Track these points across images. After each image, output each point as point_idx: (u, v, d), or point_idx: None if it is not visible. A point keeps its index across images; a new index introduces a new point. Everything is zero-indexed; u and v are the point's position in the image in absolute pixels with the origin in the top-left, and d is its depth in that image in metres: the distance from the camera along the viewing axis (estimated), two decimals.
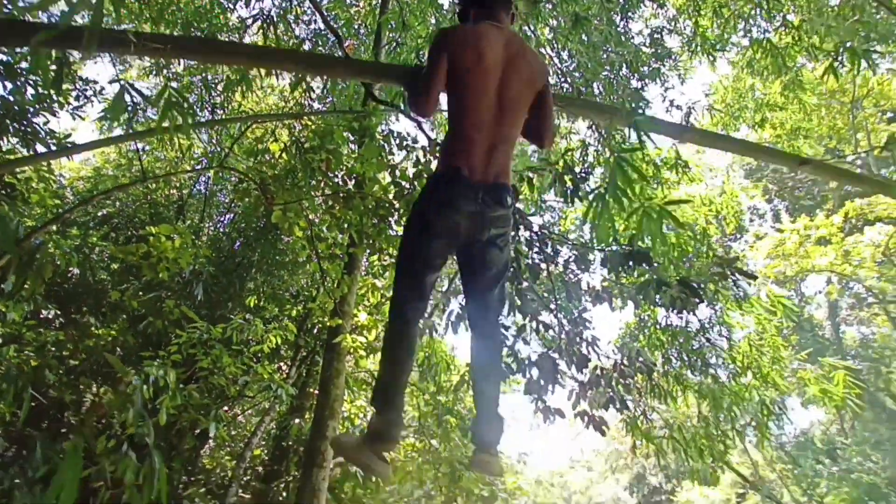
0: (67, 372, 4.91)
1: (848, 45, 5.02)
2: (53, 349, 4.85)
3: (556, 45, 6.40)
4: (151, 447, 2.41)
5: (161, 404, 3.91)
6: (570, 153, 3.85)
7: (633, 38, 6.60)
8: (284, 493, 6.19)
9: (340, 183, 3.69)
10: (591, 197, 1.91)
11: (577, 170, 4.92)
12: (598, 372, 4.27)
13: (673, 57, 7.03)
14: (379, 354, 2.09)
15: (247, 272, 7.80)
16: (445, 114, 1.95)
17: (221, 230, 9.20)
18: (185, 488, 6.21)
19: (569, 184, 3.52)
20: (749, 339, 6.59)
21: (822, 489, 17.24)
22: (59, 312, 6.68)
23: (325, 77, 4.49)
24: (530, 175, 3.88)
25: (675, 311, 3.77)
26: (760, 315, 6.50)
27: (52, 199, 5.41)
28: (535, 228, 3.87)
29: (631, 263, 3.23)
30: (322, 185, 3.69)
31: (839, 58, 4.90)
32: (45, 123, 4.48)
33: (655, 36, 6.86)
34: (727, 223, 9.51)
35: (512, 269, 4.38)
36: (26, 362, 3.99)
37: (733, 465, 20.17)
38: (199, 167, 6.98)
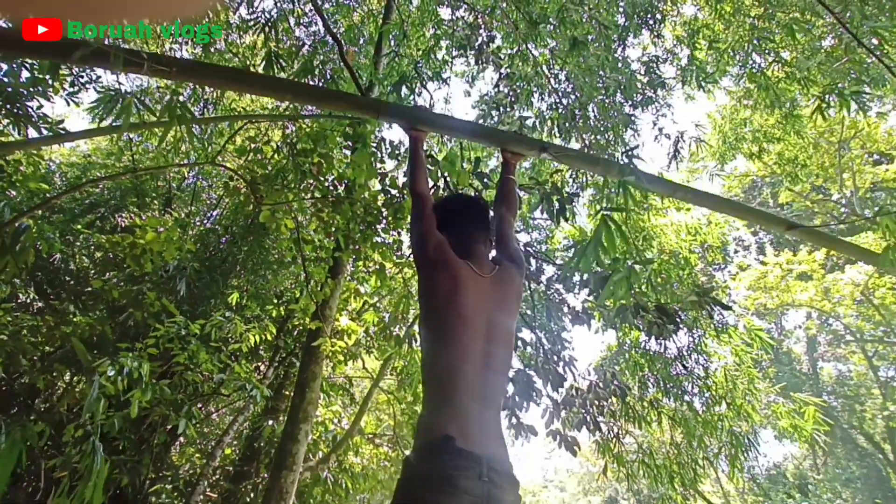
0: (41, 358, 4.84)
1: (838, 86, 5.18)
2: (28, 334, 4.78)
3: (553, 65, 6.53)
4: (95, 443, 2.39)
5: (133, 397, 3.87)
6: (558, 173, 3.92)
7: (629, 64, 6.75)
8: (252, 495, 6.11)
9: (330, 187, 3.72)
10: (572, 252, 1.92)
11: (567, 189, 5.00)
12: (574, 392, 4.31)
13: (666, 87, 7.20)
14: None
15: (231, 269, 7.77)
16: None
17: (208, 226, 9.17)
18: (152, 483, 6.11)
19: (556, 203, 3.57)
20: (725, 370, 6.68)
21: None
22: (37, 297, 6.59)
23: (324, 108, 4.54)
24: (519, 193, 3.94)
25: (653, 337, 3.82)
26: (737, 346, 6.61)
27: (38, 183, 5.36)
28: (520, 245, 3.93)
29: (612, 288, 3.29)
30: (312, 187, 3.72)
31: (827, 98, 5.04)
32: (39, 108, 4.47)
33: (651, 64, 7.03)
34: (711, 253, 9.67)
35: None
36: (1, 344, 3.93)
37: (705, 494, 20.26)
38: (189, 162, 6.97)
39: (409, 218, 2.00)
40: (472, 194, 3.09)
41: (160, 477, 6.51)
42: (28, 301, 6.90)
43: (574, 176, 6.57)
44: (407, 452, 1.46)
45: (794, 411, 6.04)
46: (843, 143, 13.08)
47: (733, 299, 15.27)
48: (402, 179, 3.97)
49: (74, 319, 4.42)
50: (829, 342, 18.54)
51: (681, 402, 6.67)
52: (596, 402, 4.15)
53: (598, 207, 6.64)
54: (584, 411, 4.17)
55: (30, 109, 4.32)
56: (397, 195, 3.88)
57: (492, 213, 2.03)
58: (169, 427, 5.46)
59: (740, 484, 20.04)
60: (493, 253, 1.88)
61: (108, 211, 8.10)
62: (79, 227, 7.24)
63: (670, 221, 7.51)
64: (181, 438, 8.15)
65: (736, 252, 18.19)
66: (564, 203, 3.50)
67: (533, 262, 4.36)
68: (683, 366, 6.70)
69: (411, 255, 1.78)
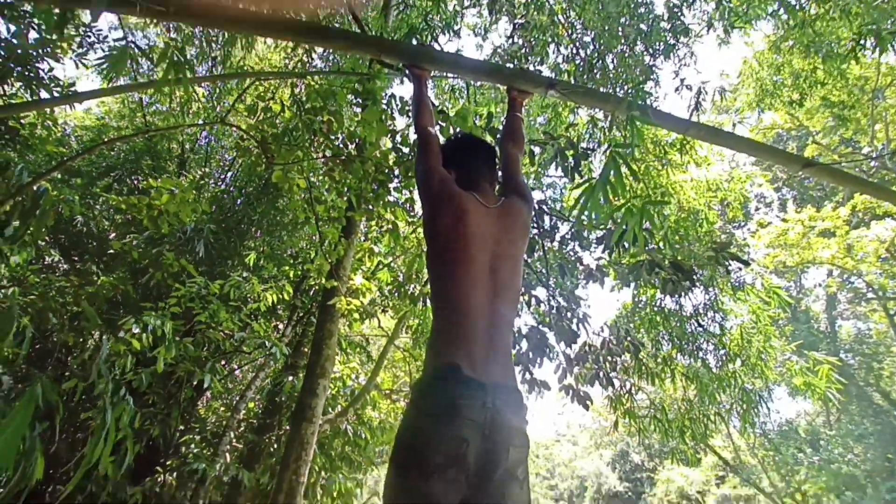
0: (70, 318, 5.02)
1: (877, 26, 4.84)
2: (56, 295, 4.94)
3: (569, 14, 6.25)
4: (106, 400, 2.48)
5: (159, 354, 4.01)
6: (573, 128, 3.82)
7: (652, 9, 6.40)
8: (276, 445, 6.40)
9: (341, 146, 3.68)
10: (580, 191, 1.83)
11: (584, 145, 4.89)
12: (587, 348, 4.35)
13: (691, 34, 6.84)
14: None
15: (247, 231, 7.86)
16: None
17: (223, 186, 9.23)
18: (181, 435, 6.43)
19: (570, 159, 3.50)
20: (741, 327, 6.66)
21: (801, 476, 17.63)
22: (62, 259, 6.77)
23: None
24: (532, 148, 3.86)
25: (667, 294, 3.79)
26: (754, 304, 6.56)
27: (55, 146, 5.41)
28: (534, 201, 3.88)
29: (625, 244, 3.25)
30: (322, 146, 3.69)
31: (864, 41, 4.73)
32: (49, 70, 4.45)
33: (675, 9, 6.65)
34: (731, 210, 9.45)
35: None
36: (31, 304, 4.07)
37: (715, 448, 20.64)
38: (200, 122, 6.94)
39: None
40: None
41: (189, 429, 6.84)
42: (53, 263, 7.10)
43: (591, 132, 6.40)
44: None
45: (807, 369, 6.03)
46: (877, 92, 12.46)
47: (752, 257, 15.07)
48: (413, 137, 3.91)
49: (99, 280, 4.54)
50: (849, 300, 18.30)
51: (695, 358, 6.69)
52: (609, 359, 4.18)
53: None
54: (596, 367, 4.22)
55: (40, 72, 4.31)
56: (408, 153, 3.83)
57: (498, 151, 2.00)
58: (195, 383, 5.68)
59: (752, 439, 20.36)
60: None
61: (125, 174, 8.19)
62: (97, 190, 7.34)
63: (690, 178, 7.33)
64: (207, 394, 8.49)
65: (757, 209, 17.80)
66: (580, 158, 3.42)
67: (547, 219, 4.32)
68: (699, 323, 6.69)
69: (417, 192, 1.77)
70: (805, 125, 15.19)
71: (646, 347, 6.49)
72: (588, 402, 4.35)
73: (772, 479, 18.93)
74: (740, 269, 6.27)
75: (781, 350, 7.26)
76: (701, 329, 6.66)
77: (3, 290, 3.65)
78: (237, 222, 7.80)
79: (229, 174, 9.67)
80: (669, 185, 7.03)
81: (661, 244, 3.59)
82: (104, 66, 2.66)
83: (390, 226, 4.21)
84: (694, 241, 6.98)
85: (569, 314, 4.25)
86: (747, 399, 6.07)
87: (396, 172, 3.81)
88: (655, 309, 6.88)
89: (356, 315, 4.88)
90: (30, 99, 4.15)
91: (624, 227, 1.81)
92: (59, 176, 6.79)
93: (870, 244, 11.29)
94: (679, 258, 4.32)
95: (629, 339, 4.11)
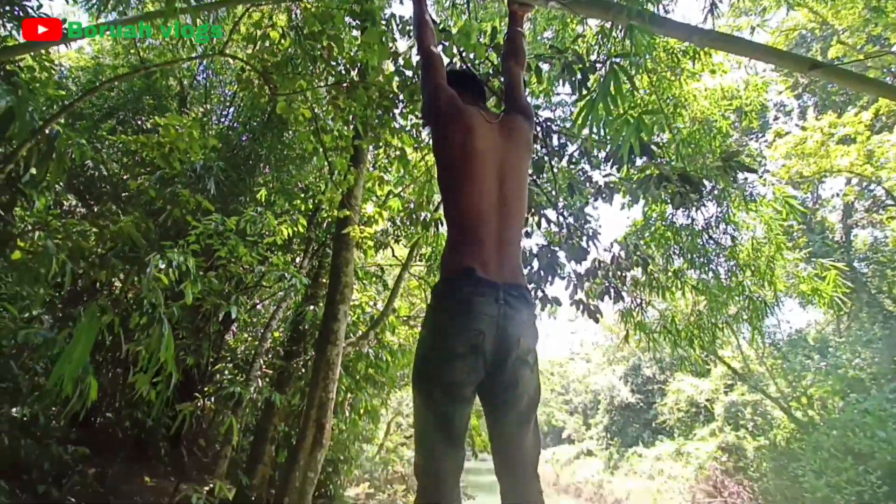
0: (95, 258, 5.21)
1: None
2: (78, 237, 5.10)
3: None
4: (159, 315, 2.66)
5: (185, 288, 4.19)
6: (581, 39, 3.67)
7: None
8: (303, 370, 6.81)
9: (343, 72, 3.61)
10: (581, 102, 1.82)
11: (594, 57, 4.70)
12: (596, 264, 4.45)
13: None
14: None
15: (255, 166, 7.88)
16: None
17: (226, 123, 9.13)
18: (213, 363, 6.85)
19: (578, 73, 3.40)
20: (753, 239, 6.67)
21: (807, 382, 18.28)
22: (78, 203, 6.91)
23: None
24: (539, 64, 3.75)
25: (676, 207, 3.81)
26: (766, 215, 6.53)
27: (55, 89, 5.34)
28: (541, 120, 3.82)
29: (633, 157, 3.23)
30: (324, 73, 3.62)
31: None
32: (39, 7, 4.31)
33: None
34: (746, 118, 9.14)
35: None
36: (58, 247, 4.21)
37: (725, 359, 21.31)
38: (198, 55, 6.75)
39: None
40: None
41: (220, 358, 7.27)
42: (70, 208, 7.25)
43: (600, 44, 6.12)
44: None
45: (816, 276, 6.10)
46: None
47: (767, 168, 14.73)
48: (415, 59, 3.80)
49: (122, 221, 4.65)
50: (867, 208, 18.02)
51: (706, 270, 6.78)
52: (618, 273, 4.29)
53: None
54: (606, 282, 4.33)
55: (30, 10, 4.19)
56: (412, 77, 3.75)
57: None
58: (220, 317, 5.96)
59: (761, 349, 20.97)
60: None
61: (128, 114, 8.12)
62: (102, 132, 7.33)
63: (704, 87, 7.04)
64: (233, 326, 8.92)
65: (776, 119, 17.16)
66: (588, 72, 3.33)
67: (555, 138, 4.27)
68: (710, 236, 6.71)
69: (425, 112, 1.82)
70: (831, 23, 14.23)
71: (656, 262, 6.58)
72: (598, 316, 4.51)
73: (779, 385, 19.67)
74: (750, 180, 6.19)
75: (794, 262, 7.29)
76: (712, 242, 6.70)
77: (29, 235, 3.79)
78: (245, 158, 7.79)
79: (231, 109, 9.54)
80: (682, 96, 6.79)
81: (672, 156, 3.56)
82: (91, 2, 2.60)
83: (398, 152, 4.21)
84: (707, 152, 6.85)
85: (579, 232, 4.32)
86: (755, 308, 6.21)
87: (401, 97, 3.75)
88: (666, 224, 6.90)
89: (370, 243, 5.00)
90: (22, 41, 4.07)
91: (620, 140, 1.82)
92: (63, 120, 6.76)
93: (892, 149, 10.95)
94: (690, 170, 4.30)
95: (638, 254, 4.19)
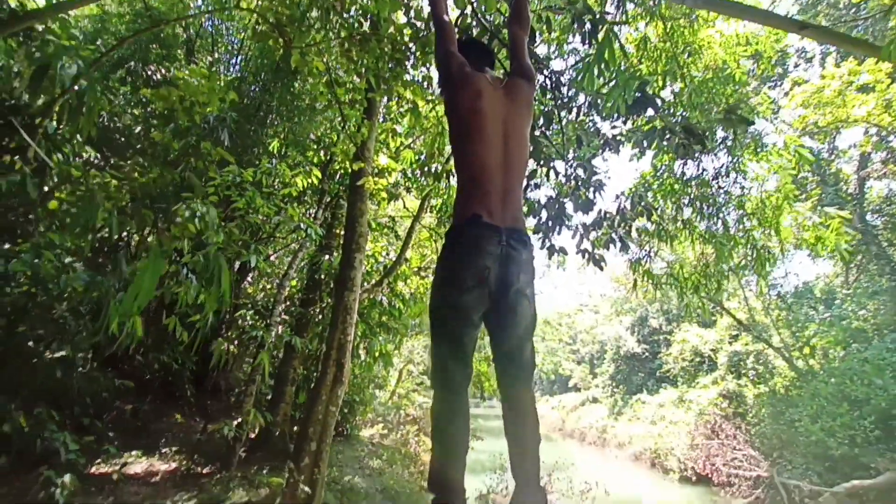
0: (121, 211, 5.41)
1: None
2: (100, 190, 5.28)
3: None
4: (214, 253, 2.87)
5: (208, 238, 4.40)
6: None
7: None
8: (320, 316, 7.15)
9: (355, 25, 3.64)
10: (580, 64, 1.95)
11: (603, 9, 4.66)
12: (602, 214, 4.59)
13: None
14: (430, 431, 1.83)
15: (266, 118, 7.92)
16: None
17: (235, 73, 9.09)
18: (236, 309, 7.18)
19: (588, 24, 3.43)
20: (762, 189, 6.70)
21: (810, 332, 18.55)
22: (98, 156, 7.06)
23: None
24: (550, 15, 3.76)
25: (679, 157, 3.90)
26: (776, 164, 6.54)
27: (71, 40, 5.38)
28: (551, 72, 3.86)
29: (639, 110, 3.29)
30: (337, 25, 3.65)
31: None
32: None
33: None
34: (762, 65, 8.91)
35: None
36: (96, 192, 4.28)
37: (731, 310, 21.57)
38: (213, 9, 6.69)
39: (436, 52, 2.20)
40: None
41: (241, 305, 7.61)
42: (91, 159, 7.41)
43: None
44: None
45: (821, 224, 6.17)
46: None
47: (783, 119, 14.42)
48: (426, 9, 3.82)
49: (150, 173, 4.76)
50: (883, 160, 17.67)
51: (714, 220, 6.86)
52: (623, 223, 4.43)
53: (636, 26, 6.16)
54: (611, 232, 4.48)
55: None
56: (423, 28, 3.78)
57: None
58: (237, 266, 6.21)
59: (766, 301, 21.17)
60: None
61: (136, 64, 8.10)
62: (114, 83, 7.37)
63: (719, 33, 6.87)
64: (249, 277, 9.24)
65: (797, 66, 16.62)
66: (597, 24, 3.35)
67: (565, 90, 4.32)
68: (720, 186, 6.76)
69: (438, 76, 2.04)
70: None
71: (663, 212, 6.67)
72: (603, 264, 4.69)
73: (782, 335, 19.99)
74: (763, 129, 6.15)
75: (802, 213, 7.31)
76: (721, 191, 6.75)
77: (64, 187, 3.96)
78: (255, 109, 7.83)
79: (239, 58, 9.46)
80: (697, 43, 6.65)
81: (684, 106, 3.61)
82: None
83: (410, 105, 4.28)
84: (721, 101, 6.77)
85: (586, 184, 4.43)
86: (760, 257, 6.32)
87: (413, 50, 3.80)
88: (675, 175, 6.94)
89: (383, 195, 5.15)
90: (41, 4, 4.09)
91: (612, 100, 1.97)
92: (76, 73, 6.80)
93: None
94: (700, 120, 4.34)
95: (642, 204, 4.31)
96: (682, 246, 6.97)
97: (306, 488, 4.41)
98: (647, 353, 29.99)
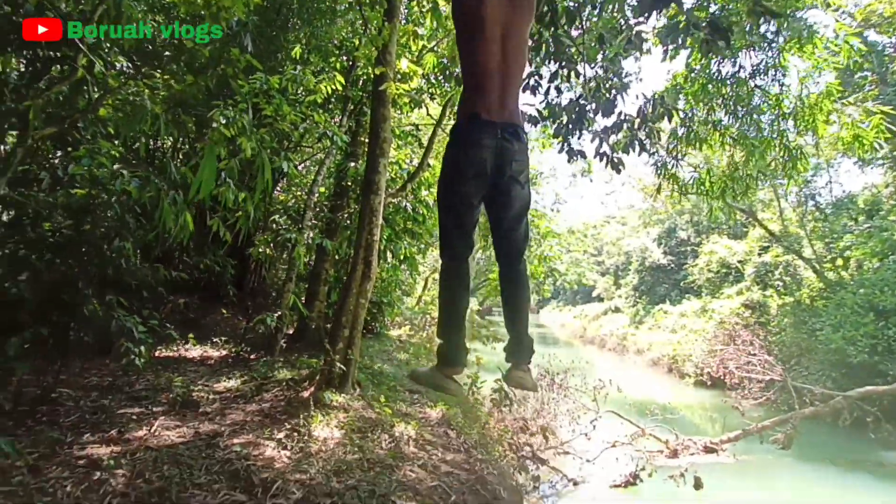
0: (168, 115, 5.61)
1: None
2: (134, 96, 5.48)
3: None
4: (256, 147, 3.13)
5: (242, 144, 4.64)
6: None
7: None
8: (349, 221, 7.52)
9: None
10: None
11: None
12: (623, 117, 4.59)
13: None
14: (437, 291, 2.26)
15: (286, 22, 7.78)
16: None
17: None
18: (269, 215, 7.60)
19: None
20: (802, 82, 6.33)
21: (846, 243, 18.16)
22: (129, 65, 7.19)
23: None
24: None
25: (703, 54, 3.80)
26: (819, 58, 6.14)
27: None
28: None
29: (663, 5, 3.21)
30: None
31: None
32: None
33: None
34: None
35: (549, 15, 4.35)
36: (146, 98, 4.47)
37: (763, 221, 21.14)
38: None
39: None
40: None
41: (273, 210, 8.02)
42: (124, 69, 7.55)
43: None
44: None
45: (861, 122, 5.88)
46: None
47: (844, 8, 13.15)
48: None
49: (187, 80, 4.88)
50: None
51: (747, 121, 6.65)
52: (644, 125, 4.44)
53: None
54: (631, 134, 4.51)
55: None
56: None
57: None
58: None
59: (802, 210, 20.60)
60: None
61: None
62: None
63: None
64: (280, 186, 9.58)
65: None
66: None
67: None
68: (756, 85, 6.48)
69: None
70: None
71: (694, 115, 6.52)
72: (621, 167, 4.78)
73: (815, 247, 19.68)
74: (805, 19, 5.74)
75: (842, 109, 6.88)
76: (758, 89, 6.45)
77: (106, 98, 4.18)
78: (276, 13, 7.69)
79: None
80: None
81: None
82: None
83: (431, 4, 4.23)
84: None
85: (607, 84, 4.40)
86: (792, 156, 6.15)
87: None
88: (709, 74, 6.65)
89: (406, 100, 5.20)
90: None
91: None
92: None
93: None
94: (733, 13, 4.17)
95: (665, 106, 4.29)
96: (712, 150, 6.82)
97: (341, 366, 5.00)
98: (672, 265, 30.10)
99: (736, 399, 11.92)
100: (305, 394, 4.96)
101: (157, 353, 5.89)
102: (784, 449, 9.29)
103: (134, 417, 4.25)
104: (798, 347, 16.63)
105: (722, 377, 13.85)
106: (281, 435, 4.15)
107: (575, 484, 7.70)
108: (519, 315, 2.06)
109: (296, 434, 4.17)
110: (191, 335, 6.89)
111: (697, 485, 7.35)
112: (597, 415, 9.13)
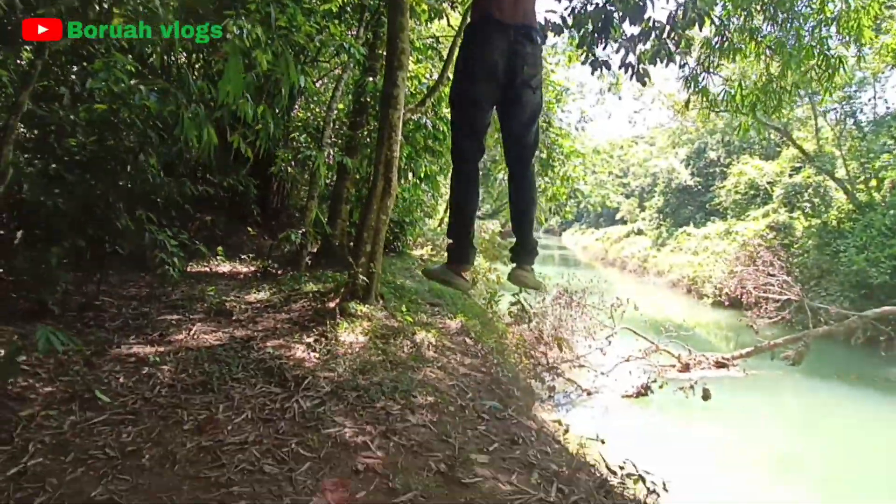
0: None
1: None
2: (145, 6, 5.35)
3: None
4: (283, 53, 3.13)
5: (257, 56, 4.55)
6: None
7: None
8: (368, 139, 7.47)
9: None
10: None
11: None
12: (651, 24, 4.35)
13: None
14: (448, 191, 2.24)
15: None
16: None
17: None
18: (290, 132, 7.59)
19: None
20: None
21: (882, 163, 17.40)
22: None
23: None
24: None
25: None
26: None
27: None
28: None
29: None
30: None
31: None
32: None
33: None
34: None
35: None
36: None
37: (798, 139, 20.18)
38: None
39: None
40: None
41: (295, 127, 7.98)
42: None
43: None
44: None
45: None
46: None
47: None
48: None
49: None
50: None
51: (786, 26, 6.20)
52: (673, 33, 4.21)
53: None
54: (660, 43, 4.30)
55: None
56: None
57: None
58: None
59: (841, 130, 19.54)
60: None
61: None
62: None
63: None
64: (298, 103, 9.45)
65: None
66: None
67: None
68: None
69: None
70: None
71: (729, 21, 6.10)
72: (647, 79, 4.60)
73: (850, 167, 18.86)
74: None
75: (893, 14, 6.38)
76: None
77: (116, 8, 4.10)
78: None
79: None
80: None
81: None
82: None
83: None
84: None
85: None
86: (830, 65, 5.79)
87: None
88: None
89: (424, 6, 4.97)
90: None
91: None
92: None
93: None
94: None
95: (697, 10, 4.03)
96: (744, 61, 6.41)
97: (364, 278, 5.23)
98: (699, 187, 29.34)
99: (751, 318, 12.10)
100: (331, 304, 5.24)
101: (188, 268, 6.20)
102: (794, 365, 9.54)
103: (173, 323, 4.60)
104: (819, 269, 16.51)
105: (739, 297, 13.97)
106: (310, 339, 4.45)
107: (589, 394, 8.15)
108: (525, 219, 2.12)
109: (323, 339, 4.47)
110: (219, 248, 7.19)
111: (706, 396, 7.68)
112: (612, 331, 9.44)
